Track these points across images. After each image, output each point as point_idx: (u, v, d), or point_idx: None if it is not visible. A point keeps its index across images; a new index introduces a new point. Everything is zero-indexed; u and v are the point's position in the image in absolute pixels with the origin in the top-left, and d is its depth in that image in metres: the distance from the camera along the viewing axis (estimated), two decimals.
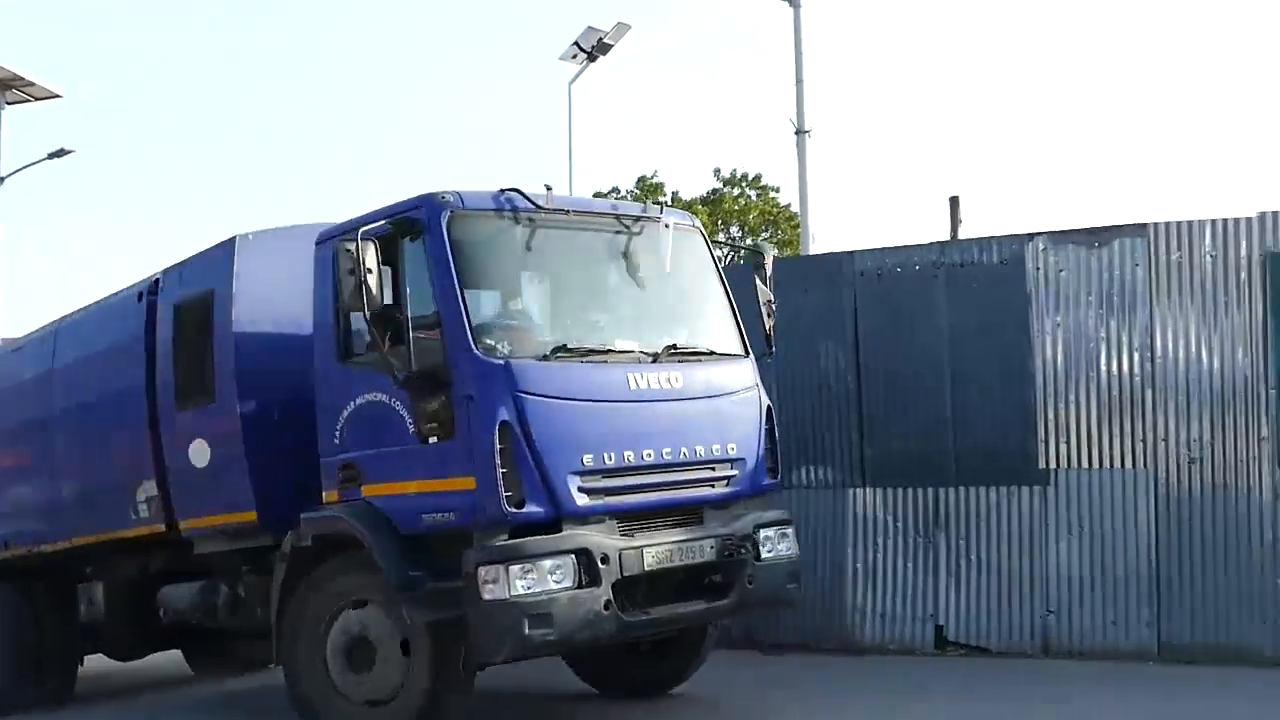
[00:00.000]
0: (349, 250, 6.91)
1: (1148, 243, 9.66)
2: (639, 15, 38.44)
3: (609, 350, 7.45)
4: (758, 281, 8.61)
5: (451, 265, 7.08)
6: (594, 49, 21.33)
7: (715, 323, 8.23)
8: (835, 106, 33.90)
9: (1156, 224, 9.65)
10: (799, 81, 17.14)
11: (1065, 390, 9.84)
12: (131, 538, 9.55)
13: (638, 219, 7.97)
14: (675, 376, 7.63)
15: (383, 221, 7.31)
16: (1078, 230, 9.95)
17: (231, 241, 8.51)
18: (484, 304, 7.34)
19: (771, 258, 8.91)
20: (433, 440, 7.09)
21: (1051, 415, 9.79)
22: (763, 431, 8.09)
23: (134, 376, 9.21)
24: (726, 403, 7.90)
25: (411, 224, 7.21)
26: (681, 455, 7.54)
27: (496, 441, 6.82)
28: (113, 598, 9.93)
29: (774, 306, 8.70)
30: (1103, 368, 9.77)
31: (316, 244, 7.91)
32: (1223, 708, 8.02)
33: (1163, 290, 9.61)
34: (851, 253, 10.78)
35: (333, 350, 7.72)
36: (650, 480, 7.39)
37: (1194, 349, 9.53)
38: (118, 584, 9.93)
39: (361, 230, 7.02)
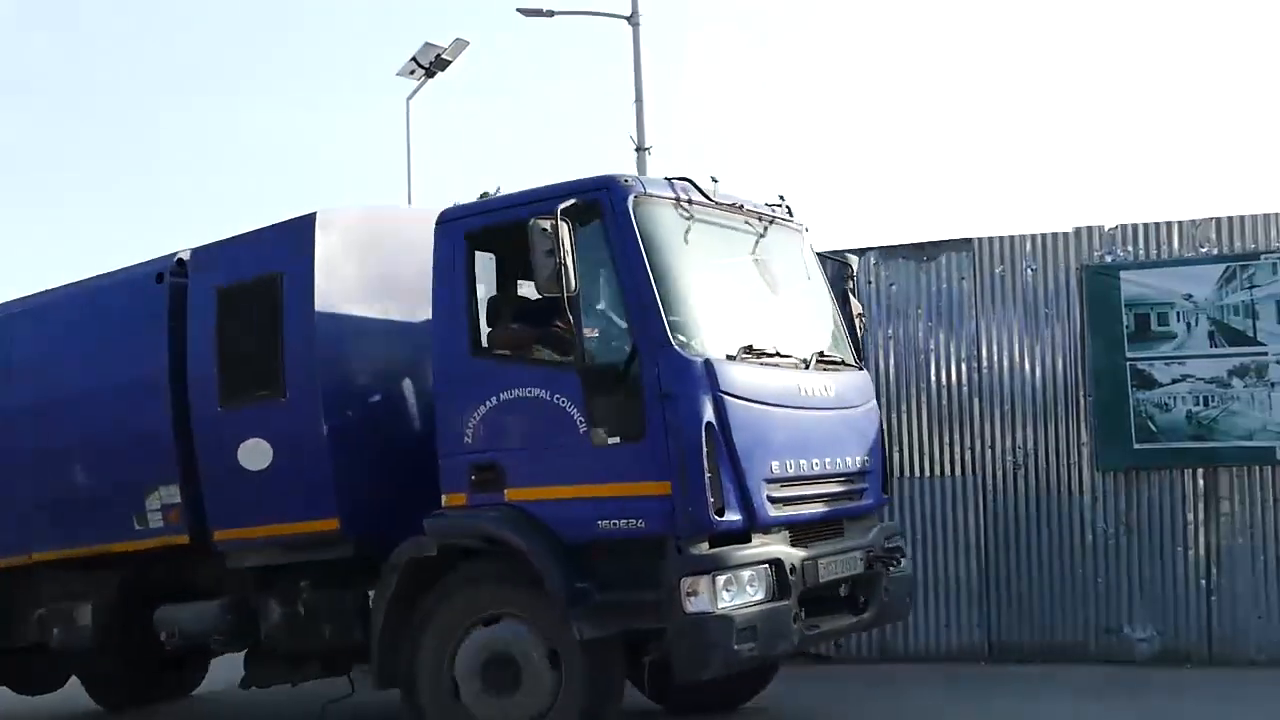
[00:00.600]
0: (546, 230, 6.30)
1: (973, 257, 10.09)
2: (479, 32, 37.80)
3: (780, 354, 7.11)
4: (848, 293, 8.46)
5: (643, 253, 6.58)
6: (432, 65, 20.82)
7: (835, 332, 8.02)
8: (676, 123, 34.25)
9: (980, 239, 10.09)
10: (639, 99, 17.10)
11: (897, 401, 10.16)
12: (114, 552, 8.40)
13: (773, 220, 7.67)
14: (829, 385, 7.37)
15: (550, 202, 6.71)
16: (907, 245, 10.31)
17: (309, 219, 7.63)
18: (666, 296, 6.82)
19: (855, 267, 8.77)
20: (612, 441, 6.53)
21: (885, 426, 9.81)
22: (880, 444, 7.96)
23: (149, 368, 8.14)
24: (860, 414, 7.70)
25: (588, 207, 6.66)
26: (837, 466, 7.29)
27: (704, 444, 6.35)
28: (104, 621, 8.63)
29: (864, 319, 8.58)
30: (932, 378, 10.15)
31: (440, 223, 7.20)
32: (1045, 709, 8.36)
33: (987, 302, 10.06)
34: None
35: (465, 341, 7.03)
36: (816, 491, 7.10)
37: (1017, 359, 9.98)
38: (104, 606, 8.65)
39: (560, 208, 6.41)
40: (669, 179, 7.00)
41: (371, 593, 7.31)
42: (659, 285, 6.55)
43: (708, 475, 6.34)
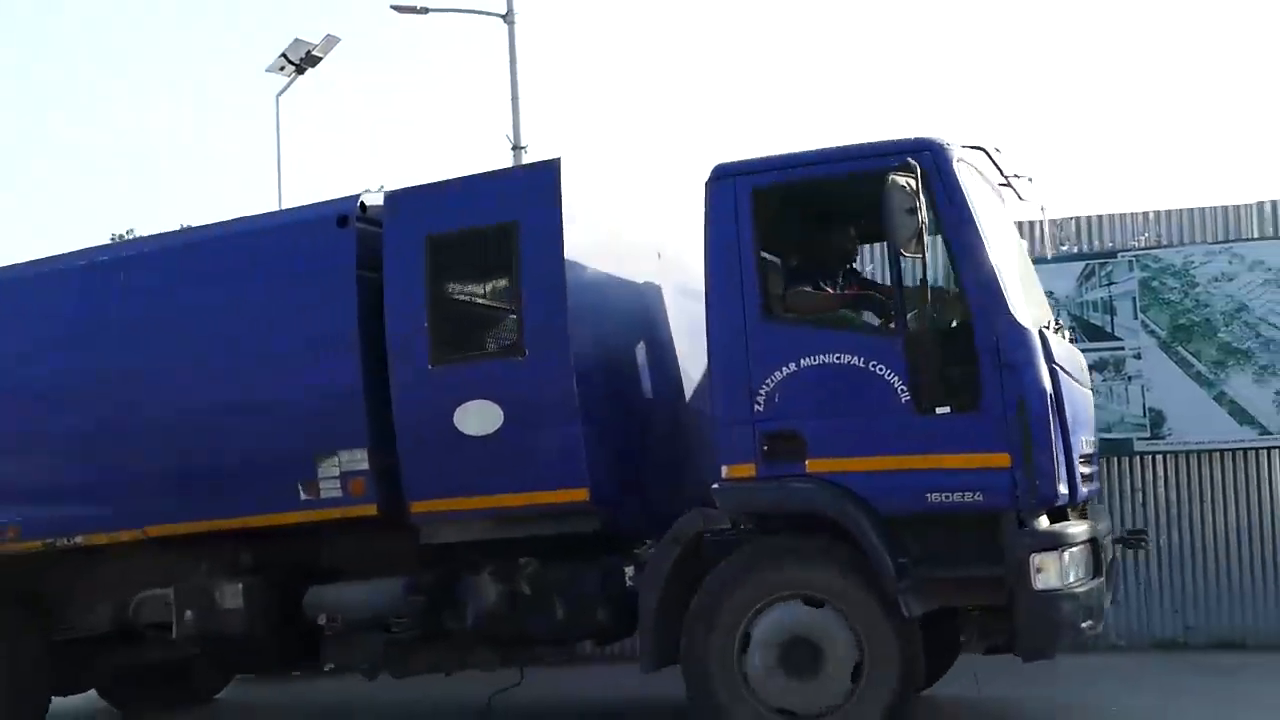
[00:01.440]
0: (906, 188, 6.00)
1: None
2: (354, 29, 36.29)
3: (1060, 325, 7.03)
4: None
5: (975, 217, 6.37)
6: (302, 61, 20.19)
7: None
8: (552, 122, 33.72)
9: None
10: (515, 98, 16.94)
11: None
12: (260, 526, 7.58)
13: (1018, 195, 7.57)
14: (1083, 362, 7.34)
15: (867, 160, 6.43)
16: None
17: (553, 165, 7.07)
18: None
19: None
20: (941, 411, 6.29)
21: None
22: None
23: (332, 321, 7.36)
24: (1089, 391, 7.69)
25: (907, 167, 6.38)
26: (1093, 445, 7.27)
27: (1051, 415, 6.19)
28: (255, 602, 7.70)
29: None
30: None
31: (716, 178, 6.77)
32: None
33: None
34: None
35: (754, 303, 6.62)
36: (1089, 470, 7.04)
37: None
38: (257, 586, 7.73)
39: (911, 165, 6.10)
40: (967, 146, 6.80)
41: (630, 569, 6.84)
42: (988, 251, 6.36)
43: (1054, 448, 6.18)
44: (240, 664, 8.04)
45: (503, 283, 7.06)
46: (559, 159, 7.03)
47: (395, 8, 16.62)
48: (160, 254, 8.04)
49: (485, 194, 7.24)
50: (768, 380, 6.54)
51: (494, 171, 7.27)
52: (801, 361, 6.51)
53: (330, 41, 19.60)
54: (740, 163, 6.79)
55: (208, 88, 39.62)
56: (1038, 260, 8.58)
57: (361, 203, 7.46)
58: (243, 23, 39.86)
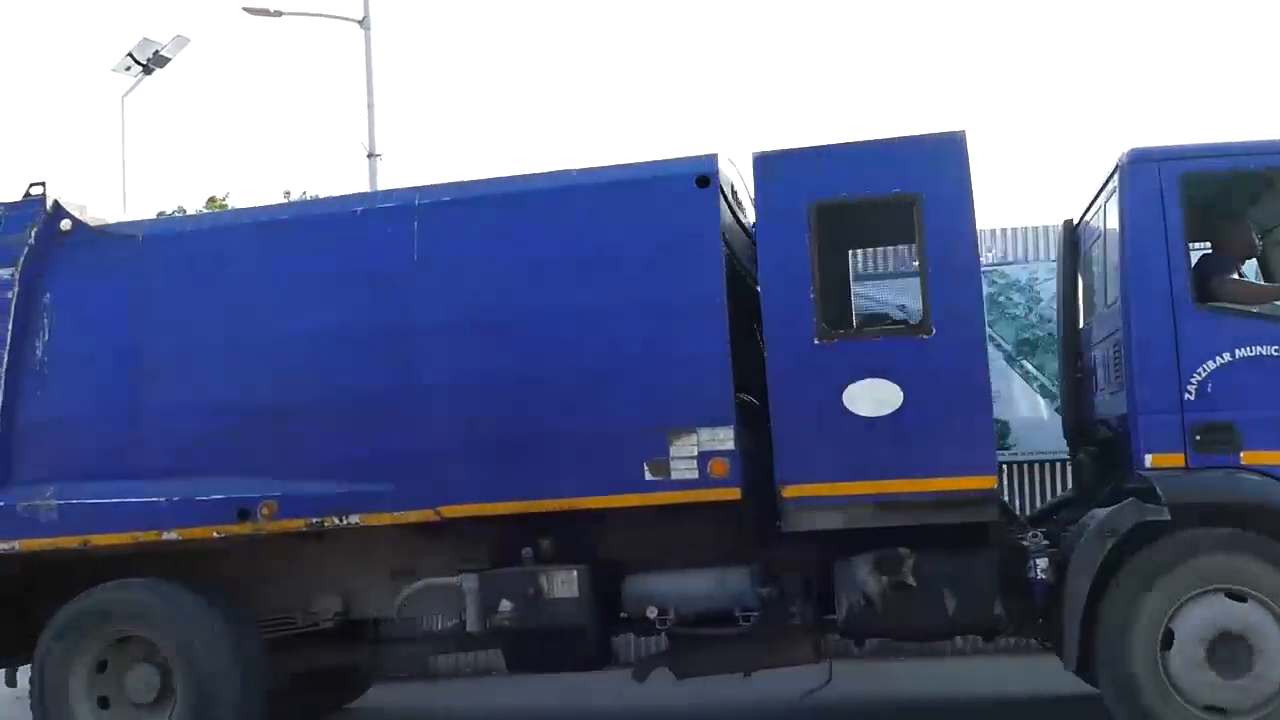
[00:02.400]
0: None
1: None
2: (205, 31, 33.80)
3: None
4: None
5: None
6: (150, 61, 19.42)
7: None
8: (408, 129, 32.46)
9: None
10: (370, 105, 16.73)
11: None
12: (582, 509, 6.93)
13: None
14: None
15: None
16: None
17: (956, 138, 6.75)
18: None
19: None
20: None
21: None
22: None
23: (695, 287, 6.81)
24: None
25: None
26: None
27: None
28: (588, 592, 6.96)
29: None
30: None
31: (1132, 163, 6.62)
32: None
33: None
34: None
35: (1187, 290, 6.48)
36: None
37: None
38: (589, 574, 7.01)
39: None
40: None
41: (1042, 562, 6.56)
42: None
43: None
44: (552, 661, 7.23)
45: (900, 256, 6.67)
46: (963, 131, 6.73)
47: (247, 10, 16.12)
48: (469, 203, 7.19)
49: (880, 162, 6.82)
50: (1199, 369, 6.42)
51: (890, 139, 6.80)
52: (1238, 352, 6.41)
53: (180, 42, 19.17)
54: (1164, 148, 6.65)
55: (48, 86, 36.57)
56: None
57: (715, 166, 6.92)
58: (88, 19, 36.98)
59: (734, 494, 6.73)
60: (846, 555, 6.85)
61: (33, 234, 7.52)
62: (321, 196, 7.67)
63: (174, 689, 7.18)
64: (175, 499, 7.16)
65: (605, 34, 38.03)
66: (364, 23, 16.52)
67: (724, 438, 6.70)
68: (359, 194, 7.45)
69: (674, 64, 37.91)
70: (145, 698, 7.24)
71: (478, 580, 7.09)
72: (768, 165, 6.90)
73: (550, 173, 7.23)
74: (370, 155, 16.39)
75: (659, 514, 6.94)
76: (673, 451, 6.74)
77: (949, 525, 6.67)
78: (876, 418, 6.60)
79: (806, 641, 7.13)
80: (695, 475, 6.73)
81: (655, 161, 7.12)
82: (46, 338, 7.44)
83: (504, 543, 7.31)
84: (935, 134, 6.73)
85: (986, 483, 6.54)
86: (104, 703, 7.29)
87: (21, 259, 7.48)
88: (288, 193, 18.40)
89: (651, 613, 6.89)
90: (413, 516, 7.03)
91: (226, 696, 7.07)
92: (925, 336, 6.62)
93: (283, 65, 37.73)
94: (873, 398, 6.60)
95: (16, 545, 7.31)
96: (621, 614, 7.15)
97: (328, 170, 37.37)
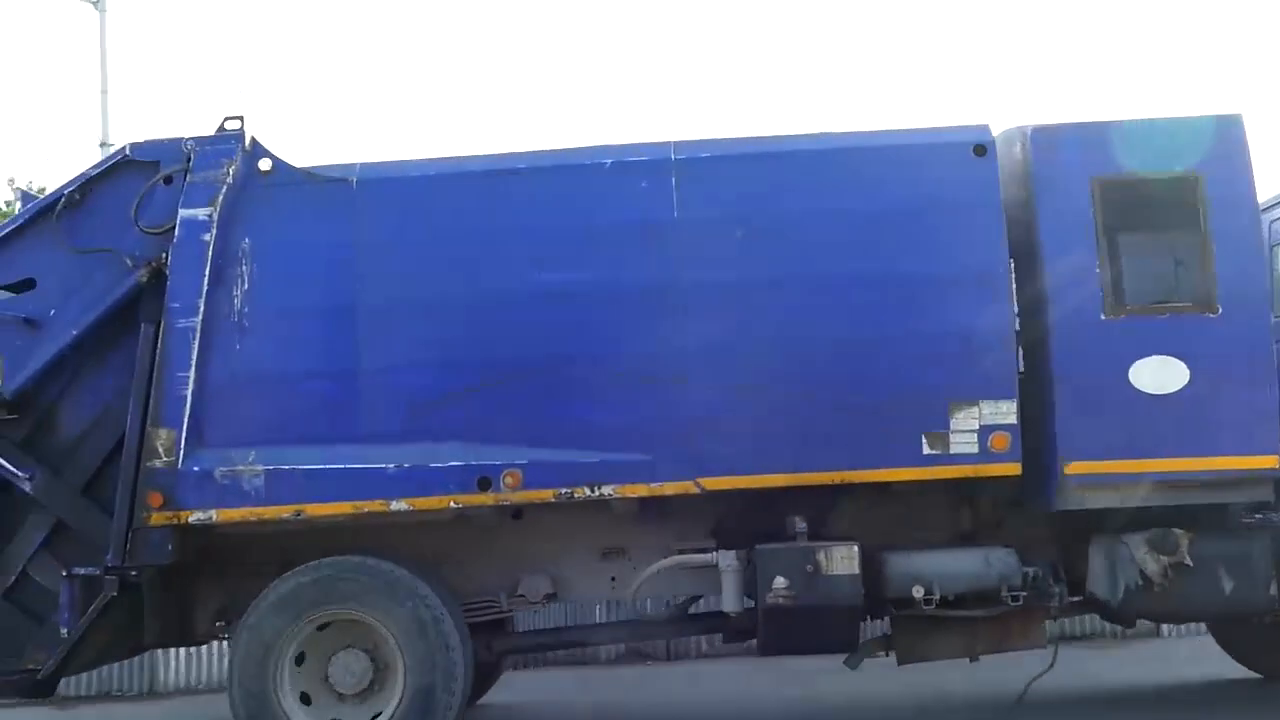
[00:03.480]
0: None
1: None
2: None
3: None
4: None
5: None
6: None
7: None
8: (146, 118, 30.59)
9: None
10: (104, 91, 16.08)
11: None
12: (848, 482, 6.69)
13: None
14: None
15: None
16: None
17: (1235, 120, 6.83)
18: None
19: None
20: None
21: None
22: None
23: (975, 256, 6.68)
24: None
25: None
26: None
27: None
28: (865, 568, 6.65)
29: None
30: None
31: None
32: None
33: None
34: None
35: None
36: None
37: None
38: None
39: None
40: None
41: None
42: None
43: None
44: (816, 642, 6.83)
45: (1184, 234, 6.67)
46: (1240, 115, 6.81)
47: None
48: (733, 160, 6.84)
49: (1163, 141, 6.80)
50: None
51: (1172, 119, 6.80)
52: None
53: None
54: None
55: None
56: None
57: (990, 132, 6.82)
58: None
59: (1015, 469, 6.58)
60: (1080, 537, 6.79)
61: (230, 172, 6.81)
62: (554, 147, 7.01)
63: (386, 678, 6.56)
64: (406, 466, 6.55)
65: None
66: (98, 4, 15.78)
67: (1006, 411, 6.55)
68: (597, 146, 6.92)
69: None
70: (354, 687, 6.58)
71: (739, 557, 6.71)
72: (1049, 140, 6.81)
73: (815, 134, 6.96)
74: (103, 144, 15.49)
75: (904, 488, 6.74)
76: (953, 425, 6.56)
77: (1185, 506, 6.68)
78: (1161, 395, 6.56)
79: (1042, 624, 7.00)
80: (975, 450, 6.56)
81: (921, 129, 6.95)
82: (245, 286, 6.73)
83: (723, 523, 7.01)
84: (1216, 115, 6.78)
85: (1268, 461, 6.56)
86: (304, 698, 6.59)
87: (220, 199, 6.75)
88: (12, 180, 17.35)
89: (918, 592, 6.63)
90: (670, 489, 6.61)
91: (452, 684, 6.48)
92: (1211, 315, 6.62)
93: (14, 46, 35.20)
94: (1158, 374, 6.57)
95: (214, 515, 6.55)
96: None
97: (63, 160, 35.21)
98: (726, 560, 6.74)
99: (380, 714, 6.52)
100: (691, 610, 7.47)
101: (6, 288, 7.12)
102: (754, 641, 7.04)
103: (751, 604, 6.78)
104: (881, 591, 6.69)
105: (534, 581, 7.14)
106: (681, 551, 7.08)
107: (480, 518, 6.86)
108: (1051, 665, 7.13)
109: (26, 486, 6.75)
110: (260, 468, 6.55)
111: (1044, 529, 7.00)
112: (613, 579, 7.24)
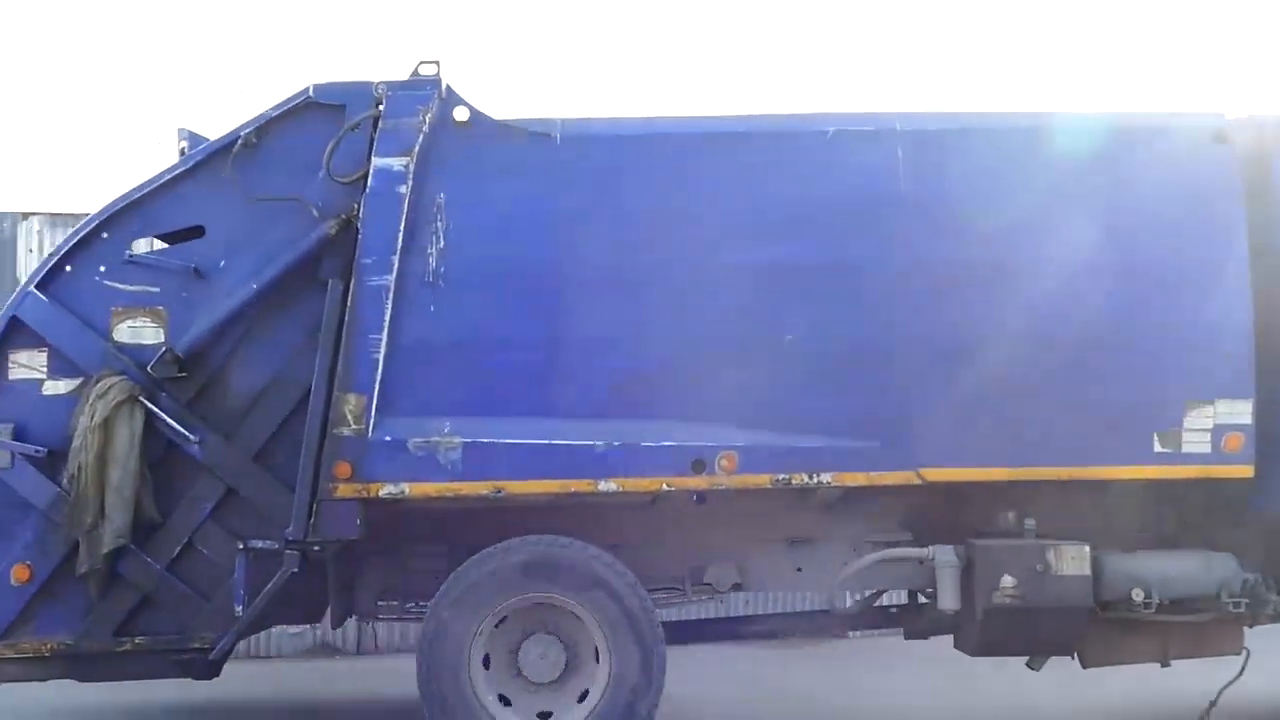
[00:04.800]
0: None
1: None
2: None
3: None
4: None
5: None
6: None
7: None
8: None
9: None
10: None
11: None
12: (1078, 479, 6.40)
13: None
14: None
15: None
16: (73, 214, 9.64)
17: None
18: None
19: None
20: None
21: None
22: None
23: (1219, 248, 6.39)
24: None
25: None
26: None
27: None
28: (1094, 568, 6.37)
29: None
30: None
31: None
32: None
33: None
34: None
35: None
36: None
37: None
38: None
39: None
40: None
41: None
42: None
43: None
44: (1035, 644, 6.55)
45: None
46: None
47: None
48: (963, 134, 6.46)
49: None
50: None
51: None
52: None
53: None
54: None
55: None
56: None
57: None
58: None
59: (1247, 471, 6.32)
60: None
61: (425, 120, 6.32)
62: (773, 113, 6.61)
63: (578, 666, 6.18)
64: (615, 444, 6.13)
65: None
66: None
67: (1242, 411, 6.29)
68: (816, 113, 6.53)
69: None
70: (548, 675, 6.18)
71: (959, 553, 6.40)
72: None
73: (1045, 113, 6.62)
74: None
75: (1112, 487, 6.48)
76: (1186, 423, 6.28)
77: None
78: None
79: (1240, 630, 6.78)
80: (1207, 449, 6.29)
81: (1155, 113, 6.64)
82: (441, 244, 6.25)
83: (916, 515, 6.71)
84: None
85: None
86: (502, 698, 6.21)
87: (416, 149, 6.27)
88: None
89: (1138, 595, 6.37)
90: (890, 478, 6.27)
91: (653, 676, 6.11)
92: None
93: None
94: None
95: (406, 489, 6.10)
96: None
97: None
98: (944, 555, 6.42)
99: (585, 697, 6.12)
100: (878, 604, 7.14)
101: (166, 236, 6.61)
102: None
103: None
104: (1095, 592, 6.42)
105: (721, 570, 6.79)
106: (874, 544, 6.77)
107: (668, 501, 6.48)
108: (1241, 673, 6.91)
109: (195, 450, 6.25)
110: (458, 439, 6.10)
111: (1252, 533, 6.74)
112: (799, 569, 6.91)
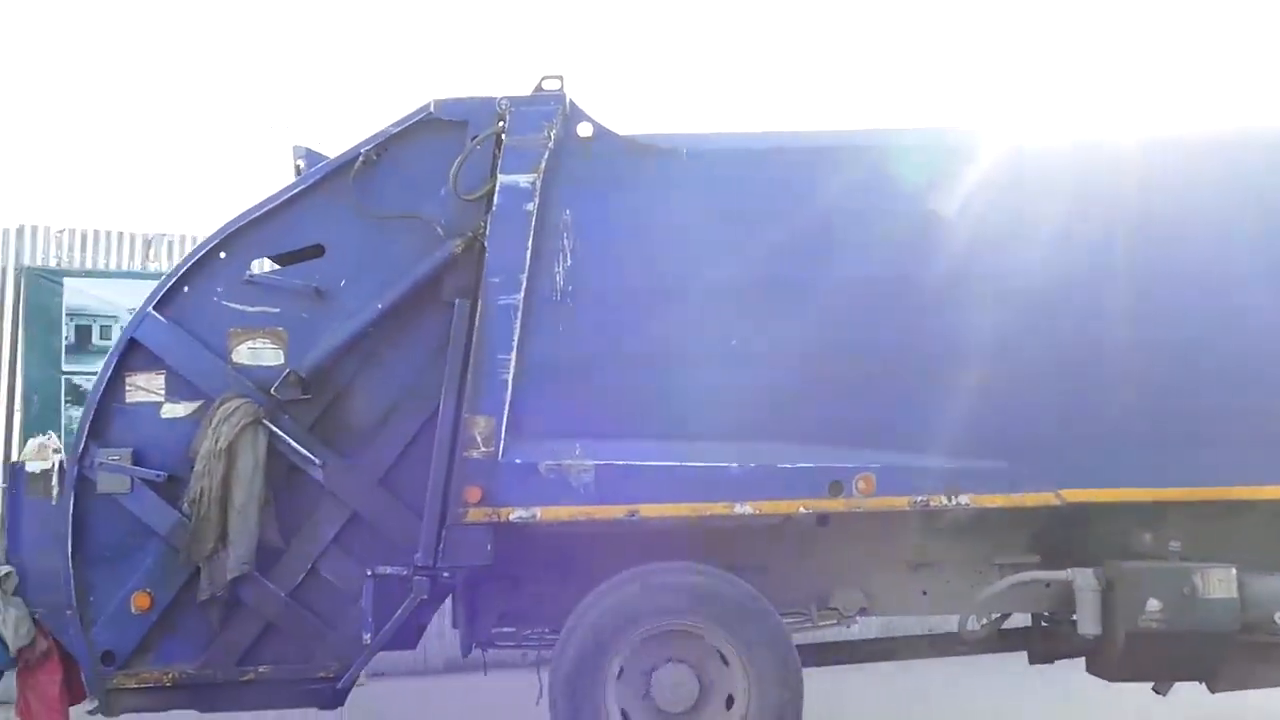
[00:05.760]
0: None
1: None
2: None
3: None
4: None
5: None
6: None
7: None
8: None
9: None
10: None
11: None
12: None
13: None
14: None
15: None
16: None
17: None
18: None
19: None
20: None
21: None
22: None
23: None
24: None
25: None
26: None
27: None
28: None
29: None
30: None
31: None
32: None
33: None
34: None
35: None
36: None
37: None
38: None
39: None
40: None
41: None
42: None
43: None
44: (1182, 669, 6.39)
45: None
46: None
47: None
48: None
49: None
50: None
51: None
52: None
53: None
54: None
55: None
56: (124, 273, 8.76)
57: None
58: None
59: None
60: None
61: (550, 136, 6.20)
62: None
63: (707, 704, 6.02)
64: (751, 466, 5.99)
65: None
66: None
67: None
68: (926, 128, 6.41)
69: None
70: (681, 705, 6.02)
71: (1099, 575, 6.22)
72: None
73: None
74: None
75: (1259, 507, 6.32)
76: None
77: None
78: None
79: None
80: None
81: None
82: (569, 262, 6.13)
83: (1044, 537, 6.57)
84: None
85: None
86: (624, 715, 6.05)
87: (543, 166, 6.14)
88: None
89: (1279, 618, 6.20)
90: (1030, 499, 6.12)
91: (798, 703, 5.96)
92: None
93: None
94: None
95: (537, 513, 5.96)
96: None
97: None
98: (1084, 579, 6.25)
99: None
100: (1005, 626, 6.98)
101: (282, 256, 6.48)
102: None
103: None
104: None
105: (848, 594, 6.63)
106: (1001, 566, 6.62)
107: (793, 524, 6.33)
108: None
109: (318, 474, 6.12)
110: (590, 462, 5.96)
111: None
112: (924, 592, 6.75)
